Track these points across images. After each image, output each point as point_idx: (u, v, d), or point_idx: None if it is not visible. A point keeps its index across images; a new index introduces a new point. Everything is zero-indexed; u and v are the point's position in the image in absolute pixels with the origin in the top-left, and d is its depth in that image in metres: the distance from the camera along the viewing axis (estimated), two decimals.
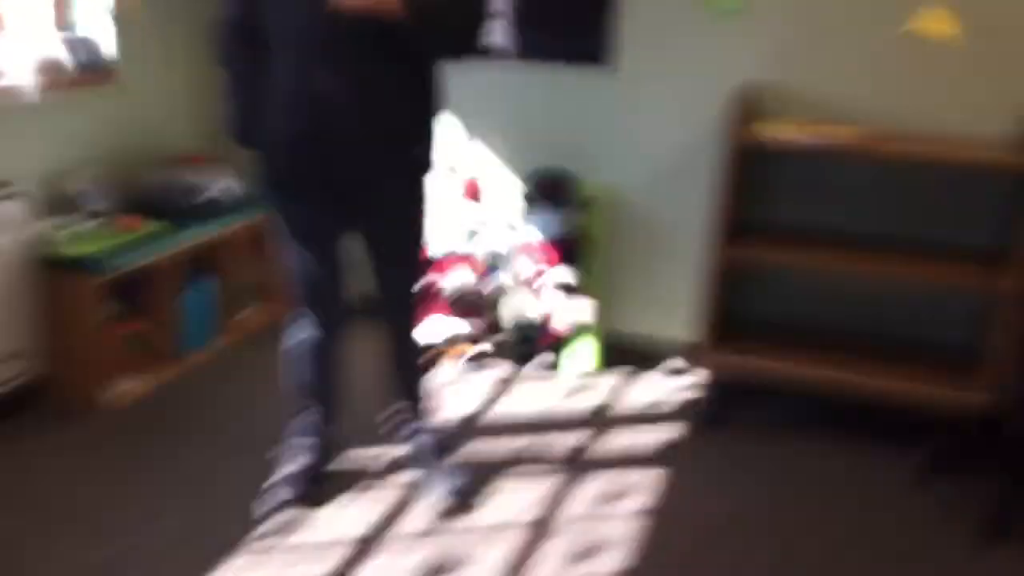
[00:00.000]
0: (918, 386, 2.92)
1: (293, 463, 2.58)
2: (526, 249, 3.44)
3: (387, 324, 2.60)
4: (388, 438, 2.79)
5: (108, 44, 3.31)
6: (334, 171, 2.30)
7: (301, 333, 2.53)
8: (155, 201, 3.30)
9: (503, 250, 3.53)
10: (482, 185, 3.58)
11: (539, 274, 3.40)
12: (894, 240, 3.14)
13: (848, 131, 2.97)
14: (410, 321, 2.62)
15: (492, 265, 3.54)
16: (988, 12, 2.94)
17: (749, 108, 3.08)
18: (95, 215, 3.15)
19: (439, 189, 3.32)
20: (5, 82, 2.98)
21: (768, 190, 3.28)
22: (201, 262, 3.40)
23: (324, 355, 2.55)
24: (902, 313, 3.24)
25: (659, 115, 3.39)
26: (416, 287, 2.59)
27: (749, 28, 3.20)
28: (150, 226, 3.16)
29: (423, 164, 2.41)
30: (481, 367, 3.47)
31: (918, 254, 3.03)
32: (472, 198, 3.54)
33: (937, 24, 2.94)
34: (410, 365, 2.68)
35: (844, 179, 3.20)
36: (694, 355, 3.35)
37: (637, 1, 3.33)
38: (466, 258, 3.49)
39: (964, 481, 2.82)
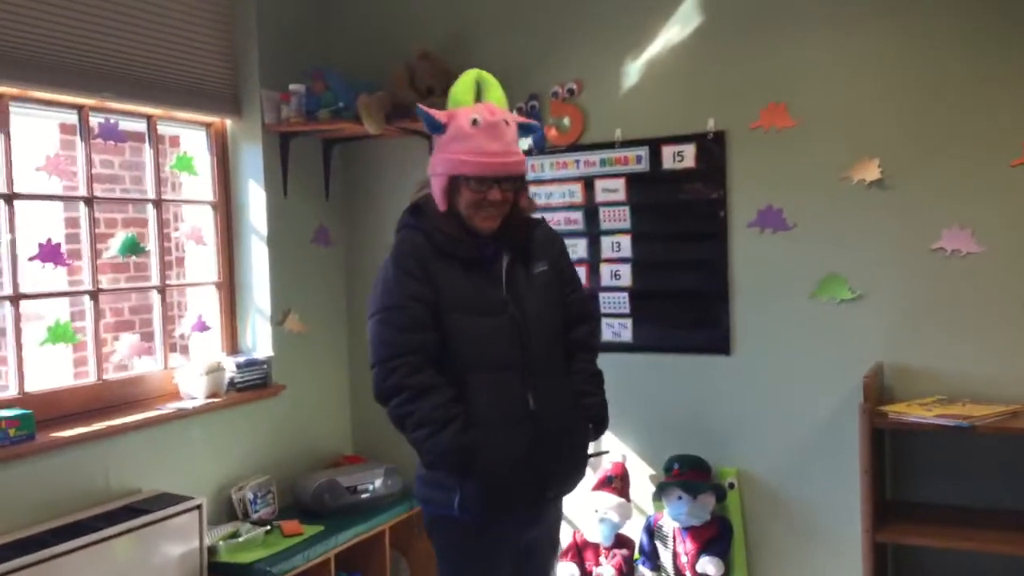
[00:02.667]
0: None
1: None
2: (665, 539, 3.46)
3: None
4: None
5: (272, 356, 3.67)
6: (547, 488, 2.30)
7: None
8: (314, 504, 3.52)
9: (644, 541, 3.54)
10: (627, 473, 3.62)
11: (681, 566, 3.40)
12: None
13: (978, 409, 2.97)
14: None
15: (633, 558, 3.54)
16: None
17: (879, 389, 3.15)
18: (260, 522, 3.38)
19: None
20: (181, 401, 3.35)
21: (912, 467, 3.27)
22: (351, 561, 3.52)
23: None
24: None
25: (786, 399, 3.44)
26: None
27: (866, 312, 3.31)
28: (310, 529, 3.35)
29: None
30: None
31: None
32: (606, 488, 3.60)
33: None
34: None
35: (988, 453, 3.15)
36: None
37: (749, 291, 3.48)
38: (605, 550, 3.53)
39: None
